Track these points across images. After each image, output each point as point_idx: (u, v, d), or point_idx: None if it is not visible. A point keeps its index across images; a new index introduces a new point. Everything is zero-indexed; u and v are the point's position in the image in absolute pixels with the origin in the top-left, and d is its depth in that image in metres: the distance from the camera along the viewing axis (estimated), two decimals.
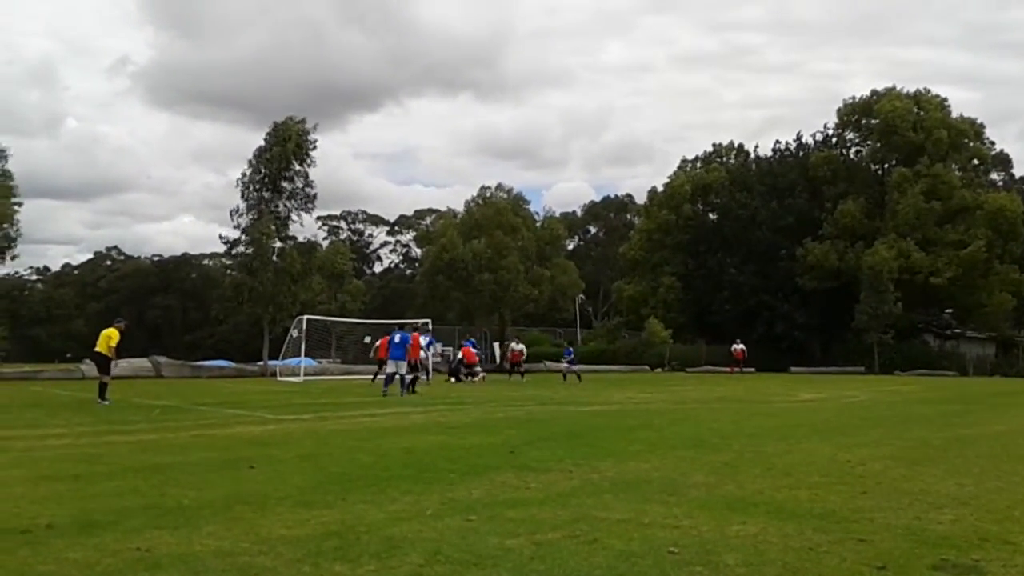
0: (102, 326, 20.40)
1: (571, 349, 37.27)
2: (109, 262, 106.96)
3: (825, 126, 58.72)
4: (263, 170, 38.14)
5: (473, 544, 5.42)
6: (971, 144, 54.86)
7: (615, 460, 9.53)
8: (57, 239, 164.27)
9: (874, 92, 55.86)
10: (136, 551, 5.19)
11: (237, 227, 38.68)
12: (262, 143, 38.62)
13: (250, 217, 38.33)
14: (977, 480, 8.28)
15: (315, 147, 39.08)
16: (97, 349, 19.27)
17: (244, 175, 38.50)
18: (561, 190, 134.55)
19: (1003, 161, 62.01)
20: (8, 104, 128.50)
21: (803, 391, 26.48)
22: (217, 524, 5.97)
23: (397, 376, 21.93)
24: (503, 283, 48.21)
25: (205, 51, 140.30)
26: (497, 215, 50.82)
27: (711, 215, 61.37)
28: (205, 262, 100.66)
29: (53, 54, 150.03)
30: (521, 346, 36.67)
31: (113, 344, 19.08)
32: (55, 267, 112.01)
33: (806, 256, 52.13)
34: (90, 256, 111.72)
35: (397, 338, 22.98)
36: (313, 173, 39.09)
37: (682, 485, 7.81)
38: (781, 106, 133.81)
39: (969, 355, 51.23)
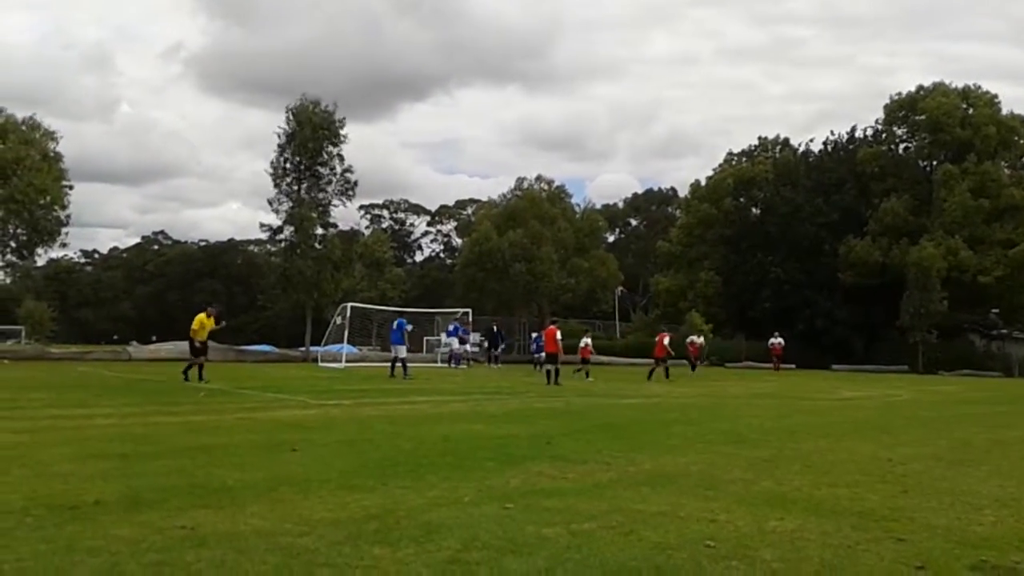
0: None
1: (539, 335, 35.24)
2: (156, 246, 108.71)
3: (877, 121, 57.79)
4: (296, 157, 38.37)
5: (510, 531, 5.48)
6: (1021, 142, 53.79)
7: (652, 453, 9.53)
8: (106, 223, 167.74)
9: (920, 88, 54.97)
10: (182, 529, 5.32)
11: (275, 212, 39.06)
12: (283, 128, 38.72)
13: (289, 204, 38.67)
14: (1019, 482, 8.17)
15: (343, 126, 39.20)
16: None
17: (273, 163, 38.79)
18: (605, 181, 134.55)
19: None
20: (64, 88, 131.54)
21: (845, 389, 26.20)
22: (261, 505, 6.10)
23: (398, 359, 25.00)
24: (537, 274, 48.25)
25: (258, 39, 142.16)
26: (533, 206, 50.84)
27: (754, 210, 60.78)
28: (251, 248, 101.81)
29: (108, 40, 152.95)
30: (701, 339, 35.68)
31: (194, 326, 20.35)
32: (103, 250, 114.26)
33: (848, 253, 51.47)
34: (138, 240, 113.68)
35: (395, 325, 25.92)
36: (358, 160, 39.32)
37: (720, 480, 7.80)
38: (828, 100, 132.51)
39: (1015, 356, 50.26)
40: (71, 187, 38.48)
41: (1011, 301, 51.19)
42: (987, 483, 8.04)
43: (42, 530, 5.25)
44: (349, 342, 35.19)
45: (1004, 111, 53.48)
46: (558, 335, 24.72)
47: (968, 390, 28.27)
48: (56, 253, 53.34)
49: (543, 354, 31.73)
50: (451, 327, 36.66)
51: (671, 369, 29.37)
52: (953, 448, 10.96)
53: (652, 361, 29.84)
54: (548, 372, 23.80)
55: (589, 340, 29.30)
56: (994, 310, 53.44)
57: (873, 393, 24.13)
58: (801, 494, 7.20)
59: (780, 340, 44.08)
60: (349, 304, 34.63)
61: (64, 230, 38.18)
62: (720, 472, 8.26)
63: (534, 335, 35.34)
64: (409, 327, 27.45)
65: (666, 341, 29.63)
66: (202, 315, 20.29)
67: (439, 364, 35.90)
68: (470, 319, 38.21)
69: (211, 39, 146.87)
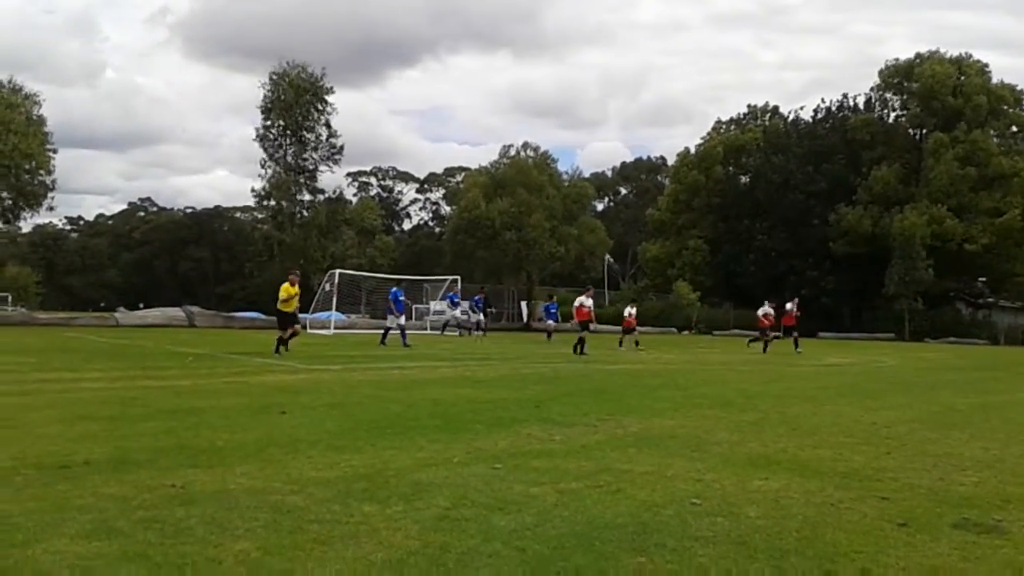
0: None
1: (555, 304, 34.07)
2: (142, 213, 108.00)
3: (872, 89, 57.61)
4: (280, 122, 38.12)
5: (498, 490, 5.52)
6: (1010, 111, 53.86)
7: (640, 416, 9.59)
8: (93, 189, 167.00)
9: (918, 55, 54.83)
10: (171, 487, 5.34)
11: (261, 176, 38.94)
12: (266, 93, 38.44)
13: (275, 171, 38.51)
14: (1002, 445, 8.26)
15: (330, 92, 39.00)
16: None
17: (259, 129, 38.59)
18: (595, 149, 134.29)
19: None
20: (48, 53, 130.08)
21: (831, 356, 26.37)
22: (250, 465, 6.12)
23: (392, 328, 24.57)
24: (527, 241, 48.19)
25: (245, 3, 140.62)
26: (520, 174, 50.66)
27: (743, 178, 60.78)
28: (237, 215, 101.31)
29: (93, 5, 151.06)
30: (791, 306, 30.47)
31: (281, 296, 18.59)
32: (89, 217, 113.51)
33: (839, 222, 51.59)
34: (124, 207, 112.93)
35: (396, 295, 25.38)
36: (347, 127, 39.36)
37: (706, 442, 7.86)
38: (820, 69, 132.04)
39: (1001, 324, 50.72)
40: (55, 151, 38.15)
41: (998, 270, 51.55)
42: (970, 445, 8.14)
43: (31, 489, 5.26)
44: (338, 309, 35.18)
45: (994, 80, 53.50)
46: (579, 302, 23.87)
47: (953, 357, 28.50)
48: (42, 219, 52.98)
49: (551, 322, 31.50)
50: (453, 295, 36.45)
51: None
52: (937, 412, 11.07)
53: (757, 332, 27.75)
54: (581, 340, 22.60)
55: (633, 309, 28.44)
56: (981, 279, 53.84)
57: (859, 360, 24.31)
58: (786, 455, 7.27)
59: (770, 309, 41.19)
60: (337, 271, 34.58)
61: (50, 195, 37.92)
62: (706, 434, 8.33)
63: (544, 304, 34.42)
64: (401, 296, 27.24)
65: (762, 312, 27.22)
66: (286, 284, 18.62)
67: (428, 331, 35.95)
68: (459, 286, 38.18)
69: (197, 3, 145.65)
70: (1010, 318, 52.73)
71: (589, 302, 24.11)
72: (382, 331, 25.29)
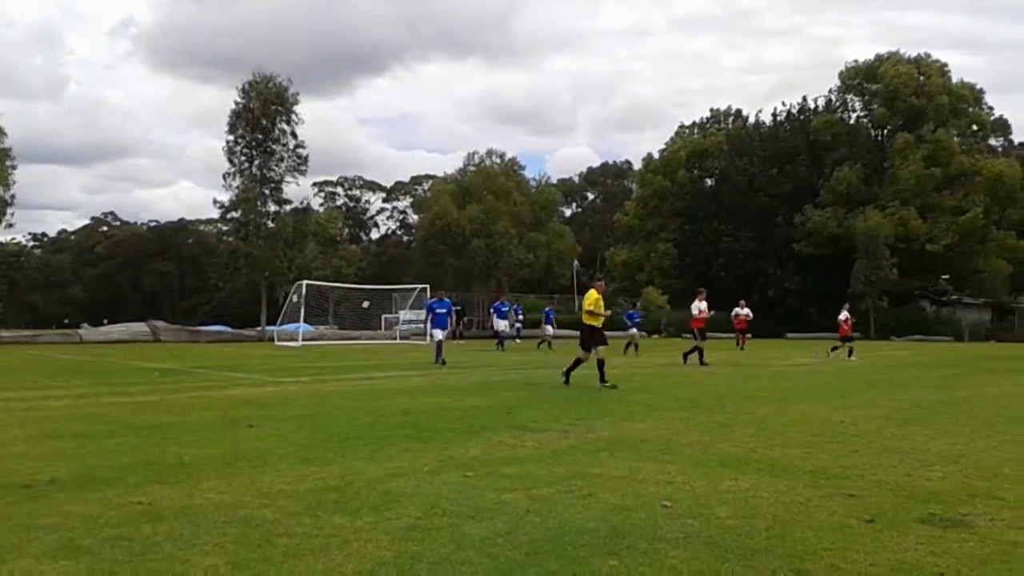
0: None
1: (638, 312, 31.40)
2: (105, 228, 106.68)
3: (830, 91, 58.34)
4: (247, 135, 37.94)
5: (470, 498, 5.52)
6: (971, 109, 54.71)
7: (611, 421, 9.62)
8: (56, 204, 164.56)
9: (878, 56, 55.59)
10: (138, 504, 5.28)
11: (227, 188, 38.69)
12: (235, 104, 38.30)
13: (241, 181, 38.27)
14: (968, 440, 8.38)
15: (296, 102, 38.88)
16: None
17: (228, 140, 38.39)
18: (565, 155, 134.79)
19: (1002, 127, 61.74)
20: (10, 68, 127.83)
21: (798, 356, 26.60)
22: (218, 479, 6.07)
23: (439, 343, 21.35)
24: (496, 248, 48.22)
25: (210, 13, 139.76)
26: (487, 180, 50.72)
27: (708, 181, 61.24)
28: (202, 228, 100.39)
29: (55, 18, 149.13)
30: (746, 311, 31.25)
31: (587, 306, 14.44)
32: (52, 233, 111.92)
33: (805, 223, 52.10)
34: (87, 222, 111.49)
35: (440, 308, 22.48)
36: (314, 137, 39.16)
37: (676, 444, 7.90)
38: (784, 71, 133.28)
39: (965, 321, 51.43)
40: (14, 167, 37.57)
41: (961, 268, 52.31)
42: (936, 441, 8.24)
43: None
44: (305, 321, 34.98)
45: (954, 79, 54.34)
46: (696, 307, 22.20)
47: (918, 355, 28.87)
48: (3, 235, 52.03)
49: (634, 331, 28.34)
50: (503, 306, 34.19)
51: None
52: (903, 409, 11.20)
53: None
54: (700, 351, 21.11)
55: (848, 314, 26.30)
56: (944, 276, 54.63)
57: (826, 359, 24.52)
58: (755, 455, 7.33)
59: (746, 311, 35.22)
60: (304, 282, 34.37)
61: (9, 211, 37.30)
62: (677, 437, 8.37)
63: (630, 311, 31.53)
64: (505, 308, 23.67)
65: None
66: (592, 290, 14.59)
67: (398, 341, 35.85)
68: (428, 295, 38.06)
69: (161, 14, 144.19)
70: (974, 314, 53.52)
71: (704, 305, 22.59)
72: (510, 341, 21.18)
